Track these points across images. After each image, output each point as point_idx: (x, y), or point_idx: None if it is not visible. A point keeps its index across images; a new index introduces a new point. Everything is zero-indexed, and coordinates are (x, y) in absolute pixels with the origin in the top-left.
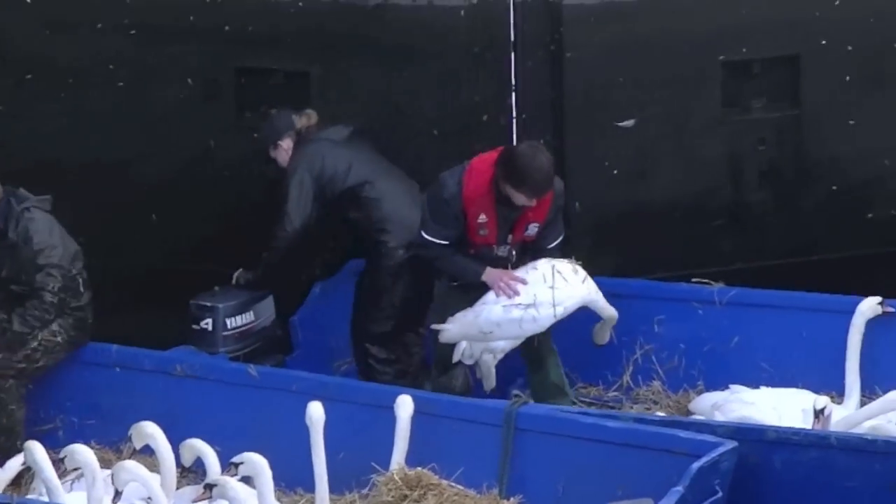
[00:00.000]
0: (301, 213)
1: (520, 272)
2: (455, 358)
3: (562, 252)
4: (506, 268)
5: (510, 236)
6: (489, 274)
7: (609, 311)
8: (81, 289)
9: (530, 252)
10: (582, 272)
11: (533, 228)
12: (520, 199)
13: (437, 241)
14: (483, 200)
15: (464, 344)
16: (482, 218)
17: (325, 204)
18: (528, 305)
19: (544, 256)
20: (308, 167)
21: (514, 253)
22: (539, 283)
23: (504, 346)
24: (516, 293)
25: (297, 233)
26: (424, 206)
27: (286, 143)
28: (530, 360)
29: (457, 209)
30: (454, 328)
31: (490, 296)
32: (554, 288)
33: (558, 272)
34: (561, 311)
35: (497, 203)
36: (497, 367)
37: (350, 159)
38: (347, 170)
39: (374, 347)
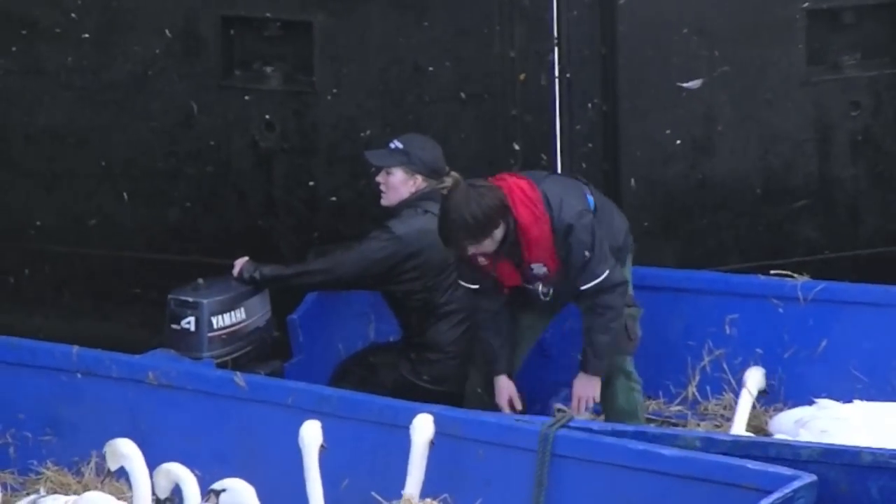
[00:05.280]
0: (351, 274)
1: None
2: None
3: (610, 293)
4: (543, 309)
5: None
6: (500, 383)
7: None
8: None
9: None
10: None
11: (539, 269)
12: None
13: (466, 286)
14: None
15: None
16: (482, 260)
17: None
18: None
19: (579, 297)
20: (407, 246)
21: (550, 292)
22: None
23: None
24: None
25: (333, 283)
26: None
27: (401, 179)
28: None
29: None
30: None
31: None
32: None
33: None
34: None
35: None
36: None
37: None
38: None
39: None
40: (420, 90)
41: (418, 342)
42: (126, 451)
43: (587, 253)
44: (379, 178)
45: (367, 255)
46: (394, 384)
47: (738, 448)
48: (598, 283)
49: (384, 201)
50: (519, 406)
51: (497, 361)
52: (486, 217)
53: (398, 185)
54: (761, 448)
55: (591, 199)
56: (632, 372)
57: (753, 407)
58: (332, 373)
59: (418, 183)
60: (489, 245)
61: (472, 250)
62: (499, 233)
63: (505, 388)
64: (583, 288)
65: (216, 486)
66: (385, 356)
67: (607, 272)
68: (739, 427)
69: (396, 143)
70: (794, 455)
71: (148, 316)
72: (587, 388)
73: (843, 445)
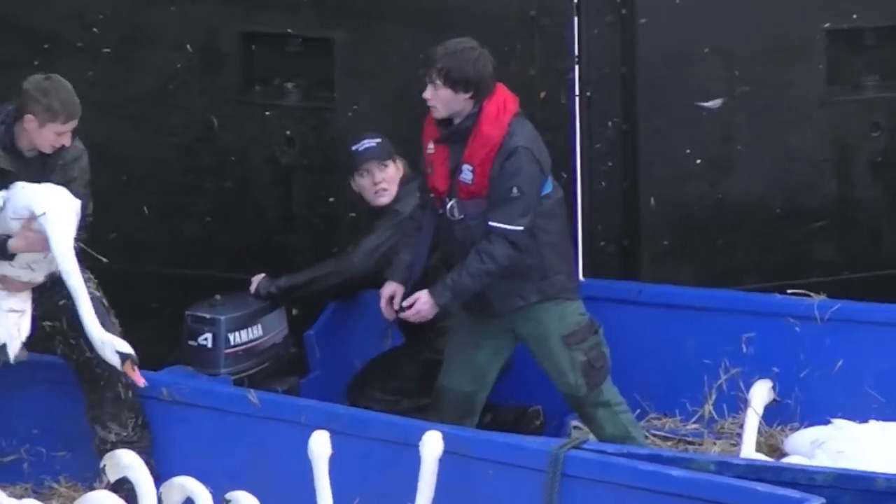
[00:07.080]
0: (364, 267)
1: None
2: None
3: (506, 248)
4: (455, 241)
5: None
6: (386, 287)
7: None
8: None
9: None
10: None
11: (467, 172)
12: None
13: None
14: (435, 125)
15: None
16: (430, 148)
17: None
18: None
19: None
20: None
21: (460, 216)
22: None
23: None
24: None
25: (348, 282)
26: None
27: (395, 168)
28: (579, 413)
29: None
30: None
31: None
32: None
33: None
34: None
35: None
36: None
37: None
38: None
39: None
40: None
41: (428, 325)
42: (128, 462)
43: (516, 190)
44: (379, 178)
45: (374, 242)
46: (421, 369)
47: (753, 472)
48: (507, 231)
49: (387, 197)
50: (396, 306)
51: (397, 271)
52: (474, 72)
53: (395, 174)
54: (776, 472)
55: (550, 183)
56: (610, 399)
57: (765, 425)
58: (351, 384)
59: (399, 166)
60: (444, 100)
61: (429, 91)
62: (462, 102)
63: (390, 289)
64: (491, 224)
65: (228, 496)
66: (401, 351)
67: (522, 229)
68: (749, 446)
69: (373, 139)
70: (809, 479)
71: (165, 331)
72: (425, 305)
73: (858, 470)
